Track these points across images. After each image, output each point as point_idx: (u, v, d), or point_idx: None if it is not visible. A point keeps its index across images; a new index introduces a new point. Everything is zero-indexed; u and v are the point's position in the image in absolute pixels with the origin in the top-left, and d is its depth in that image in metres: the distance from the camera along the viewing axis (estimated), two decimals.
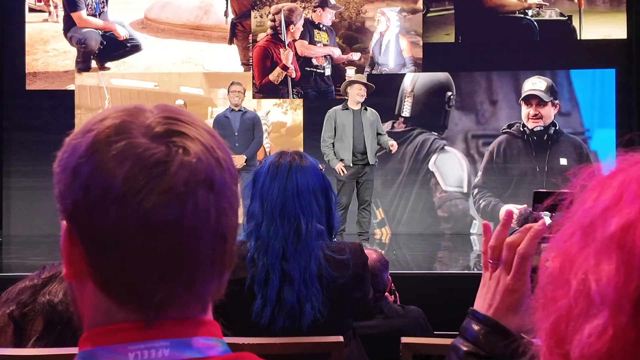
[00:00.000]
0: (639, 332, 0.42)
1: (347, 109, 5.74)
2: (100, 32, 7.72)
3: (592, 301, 0.43)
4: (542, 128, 7.29)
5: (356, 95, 5.71)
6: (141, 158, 0.57)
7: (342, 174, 5.59)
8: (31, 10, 7.86)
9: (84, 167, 0.58)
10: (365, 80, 5.93)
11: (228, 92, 6.10)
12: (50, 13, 7.86)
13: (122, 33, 7.73)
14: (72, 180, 0.59)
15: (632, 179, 0.45)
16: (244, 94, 6.26)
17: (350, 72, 7.55)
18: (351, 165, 5.62)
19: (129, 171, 0.57)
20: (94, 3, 7.73)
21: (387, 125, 7.47)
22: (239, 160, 5.72)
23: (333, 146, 5.67)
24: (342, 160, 5.61)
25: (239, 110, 5.93)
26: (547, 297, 0.47)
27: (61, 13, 7.79)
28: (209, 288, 0.61)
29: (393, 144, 5.69)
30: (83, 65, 7.74)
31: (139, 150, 0.58)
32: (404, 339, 1.45)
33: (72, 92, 7.71)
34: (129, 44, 7.76)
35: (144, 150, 0.57)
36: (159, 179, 0.57)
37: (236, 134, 5.83)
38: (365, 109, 5.76)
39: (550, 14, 7.48)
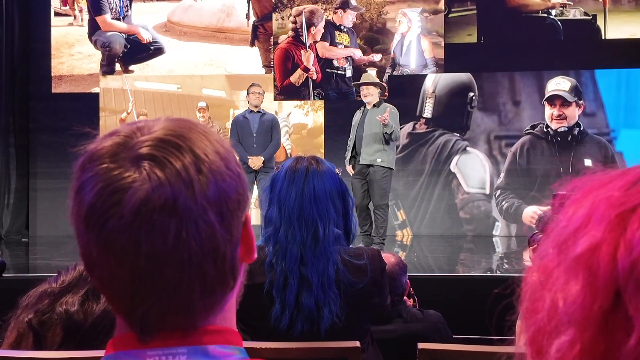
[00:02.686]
0: (605, 347, 0.43)
1: (361, 109, 5.80)
2: (124, 35, 7.82)
3: (560, 319, 0.45)
4: (566, 129, 7.20)
5: (362, 96, 5.79)
6: (107, 184, 0.59)
7: (350, 173, 5.63)
8: (57, 14, 7.99)
9: (72, 193, 0.62)
10: (370, 80, 5.95)
11: (247, 93, 6.10)
12: (75, 17, 7.99)
13: (146, 36, 7.82)
14: (71, 204, 0.62)
15: (602, 199, 0.47)
16: (263, 95, 6.29)
17: (371, 73, 7.55)
18: (350, 164, 5.64)
19: (95, 196, 0.59)
20: (118, 7, 7.83)
21: (408, 126, 7.45)
22: (257, 162, 5.74)
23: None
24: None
25: (258, 111, 5.93)
26: (528, 308, 0.49)
27: (86, 17, 7.90)
28: (184, 307, 0.61)
29: (381, 116, 5.43)
30: (107, 68, 7.84)
31: (109, 175, 0.59)
32: (421, 345, 1.45)
33: (96, 94, 7.83)
34: (152, 47, 7.85)
35: (114, 176, 0.59)
36: (116, 206, 0.58)
37: (254, 135, 5.84)
38: (376, 107, 5.67)
39: (574, 14, 7.38)
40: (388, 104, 5.75)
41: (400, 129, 7.50)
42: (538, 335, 0.47)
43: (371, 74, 6.59)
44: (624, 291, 0.43)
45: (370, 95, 5.69)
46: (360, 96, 6.01)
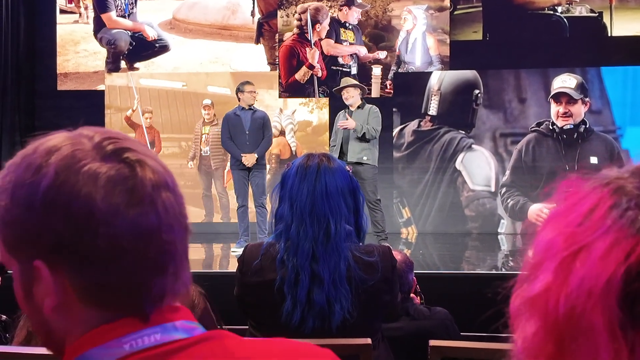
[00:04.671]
0: None
1: (345, 111, 5.88)
2: (129, 32, 7.82)
3: (518, 357, 0.48)
4: (572, 126, 7.18)
5: (344, 100, 5.87)
6: (110, 177, 0.62)
7: None
8: (62, 11, 8.00)
9: (57, 199, 0.61)
10: (349, 83, 6.01)
11: (242, 91, 5.87)
12: (80, 14, 7.99)
13: (151, 34, 7.83)
14: (44, 215, 0.61)
15: (557, 234, 0.47)
16: (257, 94, 6.25)
17: (376, 71, 7.54)
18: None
19: (104, 191, 0.61)
20: (124, 4, 7.84)
21: (413, 124, 7.44)
22: (251, 159, 5.71)
23: (334, 148, 5.82)
24: None
25: (250, 108, 5.88)
26: (512, 329, 0.51)
27: (91, 14, 7.91)
28: (188, 276, 0.67)
29: (341, 124, 5.65)
30: (113, 65, 7.85)
31: (103, 170, 0.62)
32: (432, 342, 1.45)
33: (102, 92, 7.84)
34: (157, 45, 7.85)
35: (109, 169, 0.62)
36: (131, 191, 0.62)
37: (247, 132, 5.79)
38: (361, 108, 5.78)
39: (580, 11, 7.35)
40: (371, 105, 5.84)
41: (406, 126, 7.55)
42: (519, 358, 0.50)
43: (349, 77, 6.58)
44: (565, 337, 0.44)
45: (351, 97, 5.80)
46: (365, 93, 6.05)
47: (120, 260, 0.61)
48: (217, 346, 0.64)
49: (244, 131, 5.79)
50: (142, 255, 0.62)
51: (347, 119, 5.74)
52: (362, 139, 5.64)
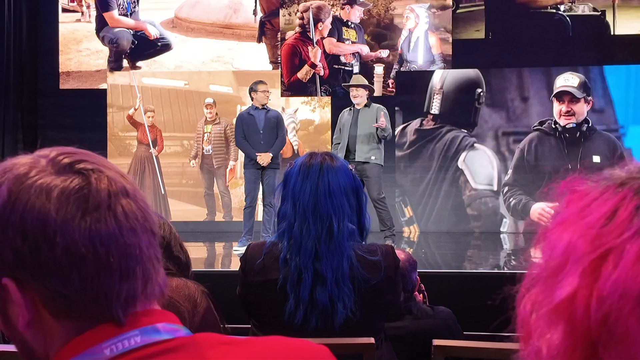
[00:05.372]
0: None
1: (351, 109, 5.85)
2: (131, 31, 7.82)
3: None
4: (575, 125, 7.17)
5: (352, 97, 5.84)
6: (63, 188, 0.63)
7: None
8: (64, 10, 8.00)
9: (11, 217, 0.62)
10: (360, 82, 5.99)
11: (255, 91, 5.84)
12: (82, 13, 8.00)
13: (153, 32, 7.82)
14: (2, 234, 0.62)
15: (579, 237, 0.46)
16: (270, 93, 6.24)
17: (378, 70, 7.53)
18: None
19: (58, 202, 0.62)
20: (126, 3, 7.84)
21: (416, 123, 7.43)
22: (266, 158, 5.71)
23: (338, 146, 5.80)
24: None
25: (263, 108, 5.87)
26: (522, 337, 0.50)
27: (93, 13, 7.91)
28: (159, 280, 0.68)
29: (378, 124, 5.58)
30: (115, 64, 7.85)
31: (57, 182, 0.63)
32: (436, 341, 1.45)
33: (104, 91, 7.84)
34: (159, 43, 7.85)
35: (62, 181, 0.63)
36: (86, 200, 0.63)
37: (261, 132, 5.79)
38: (367, 107, 5.76)
39: (583, 9, 7.34)
40: (377, 105, 5.83)
41: (408, 125, 7.55)
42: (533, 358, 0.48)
43: (361, 76, 6.56)
44: (598, 342, 0.43)
45: (359, 97, 5.78)
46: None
47: (82, 268, 0.62)
48: (204, 352, 0.64)
49: (257, 130, 5.79)
50: (103, 261, 0.62)
51: (350, 117, 5.74)
52: (371, 139, 5.62)
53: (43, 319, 0.63)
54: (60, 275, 0.62)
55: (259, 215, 6.10)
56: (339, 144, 5.79)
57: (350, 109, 5.86)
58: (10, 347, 1.52)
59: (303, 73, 7.59)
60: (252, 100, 5.92)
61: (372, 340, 1.53)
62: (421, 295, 2.62)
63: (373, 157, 5.65)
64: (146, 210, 0.67)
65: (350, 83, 6.10)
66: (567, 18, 7.33)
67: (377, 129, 5.56)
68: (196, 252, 6.21)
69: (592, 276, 0.44)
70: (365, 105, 5.77)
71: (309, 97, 7.65)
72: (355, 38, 7.61)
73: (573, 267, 0.45)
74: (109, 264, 0.63)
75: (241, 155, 6.75)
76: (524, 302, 0.50)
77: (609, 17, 7.27)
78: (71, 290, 0.62)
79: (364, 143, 5.64)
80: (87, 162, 0.66)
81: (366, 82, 6.10)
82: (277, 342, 0.70)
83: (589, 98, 7.16)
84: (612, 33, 7.27)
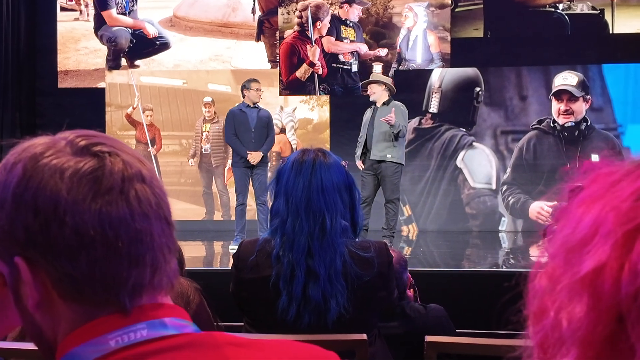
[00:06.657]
0: None
1: (372, 107, 5.79)
2: (130, 30, 7.82)
3: (563, 338, 0.45)
4: (573, 124, 7.17)
5: (370, 95, 5.76)
6: (77, 169, 0.63)
7: (360, 167, 5.65)
8: (63, 9, 8.00)
9: (25, 195, 0.62)
10: (378, 79, 5.92)
11: (248, 89, 5.79)
12: (81, 12, 7.99)
13: (151, 31, 7.82)
14: (15, 211, 0.63)
15: (609, 210, 0.45)
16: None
17: (377, 69, 7.52)
18: (361, 160, 5.66)
19: (70, 182, 0.62)
20: (124, 2, 7.83)
21: (414, 122, 7.42)
22: (257, 157, 5.67)
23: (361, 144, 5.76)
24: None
25: (255, 106, 5.84)
26: (535, 313, 0.48)
27: (92, 12, 7.91)
28: (169, 271, 0.66)
29: (385, 118, 5.51)
30: (113, 63, 7.85)
31: (71, 162, 0.63)
32: (428, 338, 1.44)
33: (102, 89, 7.84)
34: (158, 42, 7.85)
35: (77, 162, 0.63)
36: (99, 182, 0.63)
37: (253, 130, 5.75)
38: (386, 104, 5.70)
39: (581, 8, 7.33)
40: (397, 102, 5.75)
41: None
42: (544, 344, 0.47)
43: (378, 72, 6.53)
44: (627, 317, 0.42)
45: (373, 94, 5.70)
46: (366, 91, 6.01)
47: (90, 250, 0.62)
48: (212, 352, 0.63)
49: (249, 129, 5.75)
50: (112, 245, 0.62)
51: (369, 115, 5.66)
52: (387, 137, 5.56)
53: (52, 301, 0.63)
54: (68, 256, 0.61)
55: (250, 213, 6.07)
56: (360, 142, 5.75)
57: (372, 107, 5.79)
58: (4, 344, 1.52)
59: (301, 72, 7.59)
60: (243, 97, 5.85)
61: (364, 336, 1.53)
62: (412, 290, 2.62)
63: (389, 155, 5.57)
64: (162, 197, 0.66)
65: (365, 81, 5.99)
66: (566, 17, 7.32)
67: (390, 127, 5.50)
68: (195, 251, 6.21)
69: (624, 248, 0.42)
70: (384, 103, 5.68)
71: (308, 96, 7.65)
72: (354, 37, 7.60)
73: (602, 239, 0.43)
74: (118, 249, 0.62)
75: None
76: (539, 277, 0.48)
77: (607, 16, 7.27)
78: (79, 272, 0.62)
79: (379, 141, 5.57)
80: (104, 144, 0.65)
81: (382, 79, 5.99)
82: (287, 345, 0.68)
83: (588, 97, 7.16)
84: (610, 32, 7.27)
